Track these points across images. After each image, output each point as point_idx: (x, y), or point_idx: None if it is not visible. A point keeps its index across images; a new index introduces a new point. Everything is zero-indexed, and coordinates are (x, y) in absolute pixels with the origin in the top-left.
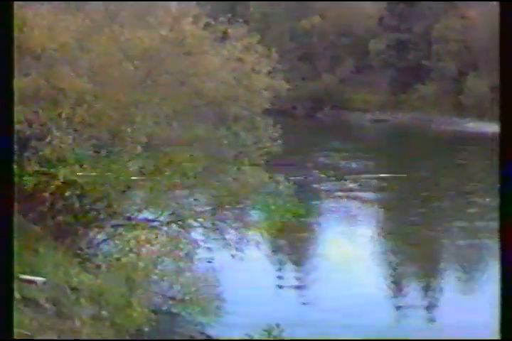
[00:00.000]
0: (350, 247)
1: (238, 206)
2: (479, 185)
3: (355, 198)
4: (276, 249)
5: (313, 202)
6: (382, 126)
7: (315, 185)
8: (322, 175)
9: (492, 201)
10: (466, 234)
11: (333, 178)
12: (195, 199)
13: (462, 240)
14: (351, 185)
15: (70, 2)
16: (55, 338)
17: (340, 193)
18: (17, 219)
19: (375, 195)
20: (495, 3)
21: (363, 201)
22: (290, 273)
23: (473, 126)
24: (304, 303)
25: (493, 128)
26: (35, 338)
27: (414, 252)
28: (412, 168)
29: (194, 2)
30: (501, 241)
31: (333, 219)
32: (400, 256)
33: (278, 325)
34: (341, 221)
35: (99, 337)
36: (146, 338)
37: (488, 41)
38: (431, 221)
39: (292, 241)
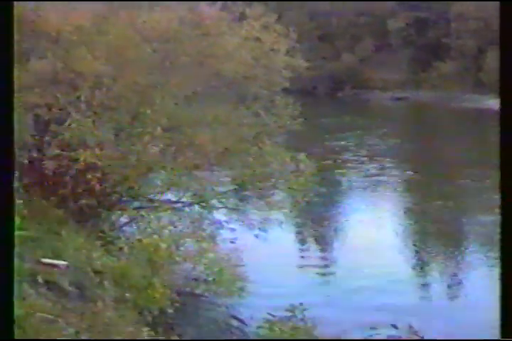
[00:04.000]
0: (374, 227)
1: (260, 186)
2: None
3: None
4: (299, 229)
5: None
6: (403, 104)
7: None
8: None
9: None
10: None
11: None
12: (217, 180)
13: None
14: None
15: None
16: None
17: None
18: (39, 203)
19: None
20: None
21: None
22: (314, 253)
23: (494, 102)
24: (327, 282)
25: None
26: (35, 338)
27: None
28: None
29: None
30: (502, 240)
31: (358, 198)
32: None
33: (301, 304)
34: (366, 200)
35: (122, 320)
36: (169, 321)
37: None
38: None
39: (316, 221)
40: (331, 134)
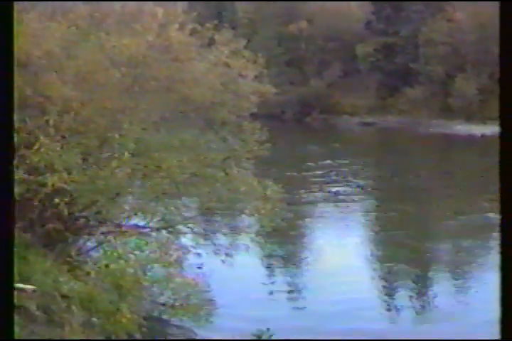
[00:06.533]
0: (341, 251)
1: (227, 211)
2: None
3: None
4: (266, 254)
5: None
6: (370, 129)
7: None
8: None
9: None
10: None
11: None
12: (184, 205)
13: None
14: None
15: (56, 9)
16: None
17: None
18: None
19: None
20: (480, 4)
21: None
22: (281, 278)
23: (462, 128)
24: (294, 308)
25: (481, 130)
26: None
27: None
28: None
29: (180, 9)
30: (502, 240)
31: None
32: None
33: (268, 329)
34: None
35: None
36: None
37: (475, 43)
38: None
39: (282, 246)
40: (314, 162)
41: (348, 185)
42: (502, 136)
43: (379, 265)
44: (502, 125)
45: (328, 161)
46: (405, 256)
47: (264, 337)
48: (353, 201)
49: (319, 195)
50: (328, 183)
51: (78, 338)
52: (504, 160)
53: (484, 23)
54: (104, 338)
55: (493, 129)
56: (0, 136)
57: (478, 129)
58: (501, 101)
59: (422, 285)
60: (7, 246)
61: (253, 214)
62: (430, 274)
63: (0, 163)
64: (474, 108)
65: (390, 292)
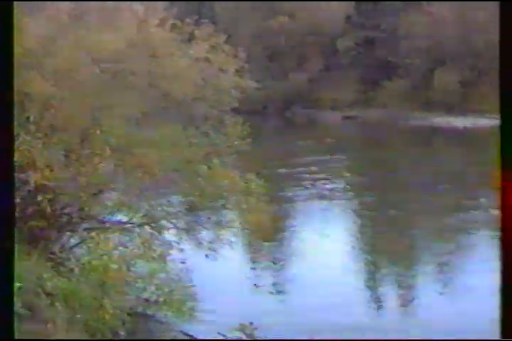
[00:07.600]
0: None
1: (210, 206)
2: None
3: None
4: (250, 248)
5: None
6: (353, 123)
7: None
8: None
9: None
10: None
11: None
12: (167, 201)
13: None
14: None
15: (34, 5)
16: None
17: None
18: None
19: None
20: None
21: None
22: (265, 272)
23: (443, 120)
24: (280, 301)
25: (462, 122)
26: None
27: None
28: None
29: (160, 4)
30: (501, 241)
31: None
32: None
33: (251, 323)
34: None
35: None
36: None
37: (455, 36)
38: None
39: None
40: (302, 157)
41: (339, 182)
42: (502, 132)
43: (369, 265)
44: (502, 119)
45: (318, 157)
46: (397, 256)
47: (247, 331)
48: (346, 198)
49: (314, 191)
50: (320, 180)
51: (61, 336)
52: (504, 156)
53: (464, 16)
54: (87, 335)
55: (474, 121)
56: (0, 137)
57: (459, 122)
58: (502, 100)
59: (409, 288)
60: (7, 247)
61: (235, 209)
62: (421, 276)
63: (1, 168)
64: (455, 101)
65: (376, 295)
